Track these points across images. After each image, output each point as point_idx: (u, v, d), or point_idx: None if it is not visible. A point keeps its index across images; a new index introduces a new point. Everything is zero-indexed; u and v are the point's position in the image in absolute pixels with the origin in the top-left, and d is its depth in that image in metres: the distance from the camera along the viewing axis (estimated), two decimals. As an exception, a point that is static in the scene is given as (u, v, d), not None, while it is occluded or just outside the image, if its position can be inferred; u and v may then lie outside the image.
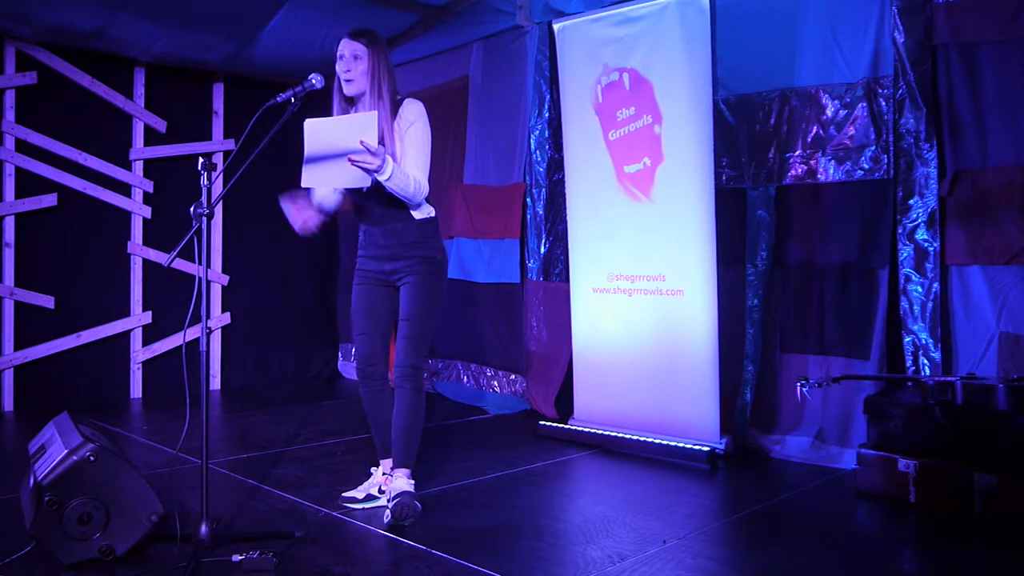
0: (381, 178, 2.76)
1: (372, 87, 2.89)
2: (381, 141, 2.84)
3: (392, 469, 3.01)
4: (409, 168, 2.91)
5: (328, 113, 2.98)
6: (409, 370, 2.97)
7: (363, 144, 2.67)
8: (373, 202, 2.98)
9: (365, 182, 2.80)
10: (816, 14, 3.87)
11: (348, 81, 2.90)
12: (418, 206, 3.00)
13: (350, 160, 2.69)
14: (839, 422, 3.72)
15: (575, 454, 3.97)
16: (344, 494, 3.12)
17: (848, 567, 2.54)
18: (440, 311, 3.07)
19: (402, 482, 2.93)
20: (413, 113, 2.97)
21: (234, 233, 6.03)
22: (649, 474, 3.61)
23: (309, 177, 2.79)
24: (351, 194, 3.04)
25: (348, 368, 6.57)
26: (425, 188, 2.96)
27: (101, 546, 2.40)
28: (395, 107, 2.94)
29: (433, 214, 3.07)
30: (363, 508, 3.03)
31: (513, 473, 3.61)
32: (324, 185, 2.89)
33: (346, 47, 2.91)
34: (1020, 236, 3.30)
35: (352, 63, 2.89)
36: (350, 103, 3.00)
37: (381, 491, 3.10)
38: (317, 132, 2.74)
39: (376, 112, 2.77)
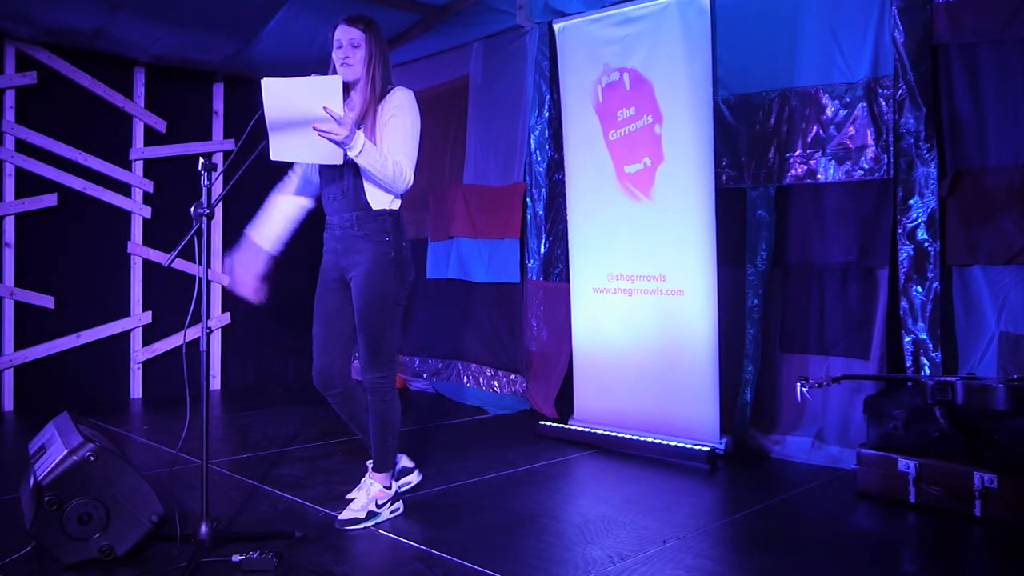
0: (351, 153, 2.61)
1: (367, 73, 2.79)
2: (362, 124, 2.75)
3: (369, 473, 3.01)
4: (392, 154, 2.76)
5: None
6: (371, 383, 2.86)
7: (327, 111, 2.50)
8: (336, 187, 2.84)
9: (338, 158, 2.68)
10: (816, 14, 3.87)
11: (347, 67, 2.79)
12: (396, 196, 2.84)
13: (315, 129, 2.54)
14: (839, 422, 3.72)
15: (575, 454, 3.97)
16: (348, 495, 3.11)
17: (848, 567, 2.53)
18: (396, 316, 2.86)
19: (362, 495, 2.91)
20: (400, 100, 2.81)
21: (234, 233, 6.01)
22: (649, 474, 3.61)
23: (278, 150, 2.63)
24: (320, 180, 2.92)
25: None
26: (408, 176, 2.78)
27: (101, 546, 2.40)
28: (383, 95, 2.83)
29: (396, 207, 2.86)
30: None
31: (513, 473, 3.61)
32: (295, 159, 2.73)
33: (344, 34, 2.80)
34: (1020, 236, 3.30)
35: (351, 51, 2.78)
36: (344, 91, 2.90)
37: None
38: (277, 94, 2.51)
39: (340, 76, 2.63)
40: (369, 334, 2.83)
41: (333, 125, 2.53)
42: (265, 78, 2.51)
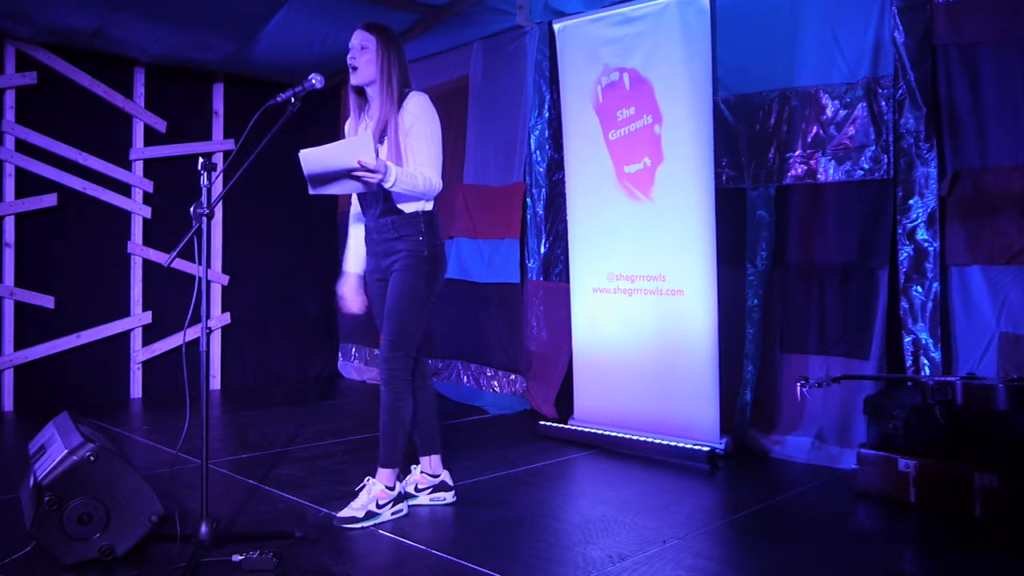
0: (387, 186, 2.76)
1: (381, 76, 2.88)
2: (384, 134, 2.86)
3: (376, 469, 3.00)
4: (417, 164, 2.87)
5: (338, 110, 2.99)
6: (388, 375, 2.93)
7: (361, 163, 2.65)
8: (371, 196, 2.96)
9: (370, 184, 2.81)
10: (816, 14, 3.86)
11: (353, 69, 2.89)
12: (429, 200, 2.95)
13: (353, 177, 2.70)
14: (839, 422, 3.72)
15: (575, 454, 3.97)
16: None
17: (848, 567, 2.54)
18: (423, 311, 2.96)
19: (363, 494, 2.91)
20: (418, 107, 2.90)
21: (234, 233, 6.03)
22: (649, 474, 3.61)
23: (316, 190, 2.81)
24: (358, 196, 3.05)
25: (348, 368, 6.56)
26: (436, 183, 2.90)
27: (101, 546, 2.41)
28: (401, 99, 2.91)
29: (428, 208, 2.96)
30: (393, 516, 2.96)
31: (513, 473, 3.62)
32: (330, 193, 2.87)
33: (356, 37, 2.92)
34: (1020, 236, 3.30)
35: (358, 52, 2.89)
36: (362, 97, 3.00)
37: (418, 489, 3.11)
38: (313, 159, 2.69)
39: (371, 132, 2.76)
40: (394, 327, 2.92)
41: (368, 173, 2.68)
42: (302, 151, 2.68)
